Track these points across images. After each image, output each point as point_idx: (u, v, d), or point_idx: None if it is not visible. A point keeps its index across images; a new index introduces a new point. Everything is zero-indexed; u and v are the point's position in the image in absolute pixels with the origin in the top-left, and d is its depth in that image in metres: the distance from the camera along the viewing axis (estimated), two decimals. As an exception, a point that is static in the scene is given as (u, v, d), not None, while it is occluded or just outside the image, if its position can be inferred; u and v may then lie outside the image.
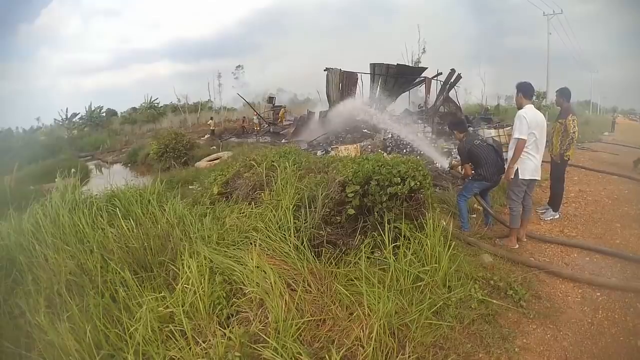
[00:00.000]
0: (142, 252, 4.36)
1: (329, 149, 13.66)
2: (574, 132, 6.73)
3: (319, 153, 12.98)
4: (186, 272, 3.75)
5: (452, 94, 20.04)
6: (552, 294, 4.53)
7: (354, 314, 3.57)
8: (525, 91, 5.61)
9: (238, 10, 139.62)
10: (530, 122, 5.34)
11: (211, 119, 32.72)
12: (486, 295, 4.23)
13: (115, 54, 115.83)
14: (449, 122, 6.75)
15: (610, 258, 5.41)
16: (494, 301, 4.17)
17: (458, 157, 7.69)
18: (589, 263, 5.34)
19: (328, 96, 19.35)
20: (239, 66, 60.82)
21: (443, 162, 9.59)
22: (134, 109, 52.06)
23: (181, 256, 4.04)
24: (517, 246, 5.69)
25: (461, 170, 6.68)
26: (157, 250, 4.40)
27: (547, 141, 6.62)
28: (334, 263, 4.31)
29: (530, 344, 3.71)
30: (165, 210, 5.18)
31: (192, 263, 3.79)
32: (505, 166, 5.77)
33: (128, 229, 4.62)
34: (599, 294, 4.54)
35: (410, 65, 24.43)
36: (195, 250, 4.15)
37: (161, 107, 50.10)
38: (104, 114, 48.12)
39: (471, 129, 6.00)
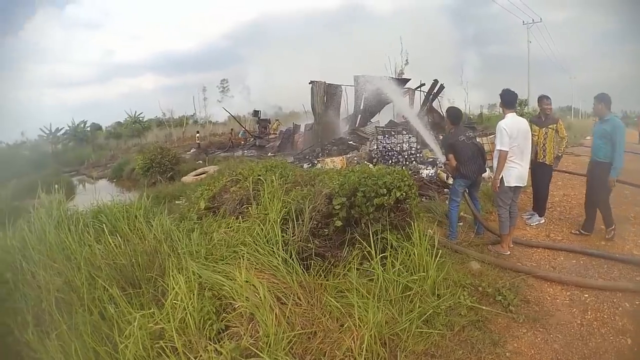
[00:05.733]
0: (130, 268, 4.33)
1: (315, 162, 13.68)
2: (565, 136, 6.95)
3: (305, 166, 13.00)
4: (175, 288, 3.71)
5: (435, 104, 20.22)
6: (541, 298, 4.60)
7: (345, 326, 3.59)
8: (506, 100, 5.74)
9: (222, 23, 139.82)
10: (511, 131, 5.43)
11: (197, 132, 32.64)
12: (475, 301, 4.28)
13: (98, 68, 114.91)
14: (447, 109, 6.80)
15: (597, 259, 5.51)
16: (484, 307, 4.22)
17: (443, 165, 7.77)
18: (575, 265, 5.42)
19: (313, 109, 19.39)
20: (223, 80, 61.03)
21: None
22: (118, 123, 51.70)
23: (170, 272, 4.00)
24: (509, 252, 5.76)
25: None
26: (145, 267, 4.38)
27: (538, 148, 6.74)
28: (323, 275, 4.30)
29: (521, 348, 3.76)
30: (152, 225, 5.14)
31: (181, 279, 3.75)
32: (486, 167, 5.88)
33: (115, 245, 4.58)
34: (586, 295, 4.62)
35: (394, 76, 24.53)
36: (184, 265, 4.11)
37: (146, 121, 49.81)
38: (88, 129, 47.67)
39: (470, 133, 5.98)
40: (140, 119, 49.79)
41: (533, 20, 39.56)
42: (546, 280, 4.97)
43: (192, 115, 51.55)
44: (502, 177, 5.59)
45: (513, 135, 5.44)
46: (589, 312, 4.29)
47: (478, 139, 7.17)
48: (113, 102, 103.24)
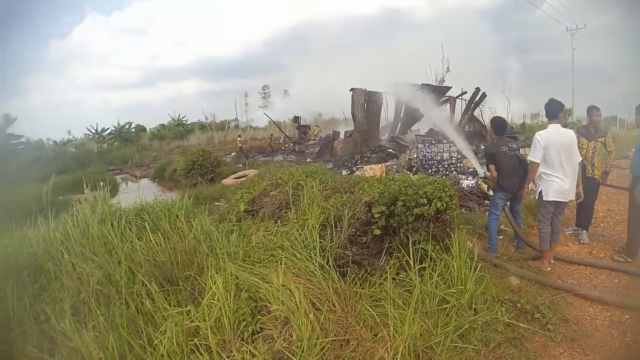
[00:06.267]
0: (169, 266, 4.41)
1: (354, 169, 13.67)
2: (613, 150, 6.78)
3: (343, 172, 13.01)
4: (212, 288, 3.79)
5: (477, 112, 19.94)
6: (580, 317, 4.47)
7: (379, 335, 3.56)
8: (548, 111, 5.59)
9: (262, 30, 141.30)
10: (546, 143, 5.32)
11: (239, 136, 33.13)
12: (513, 318, 4.19)
13: (142, 72, 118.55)
14: (492, 119, 6.72)
15: None
16: (521, 324, 4.14)
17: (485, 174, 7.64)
18: (617, 285, 5.26)
19: (353, 116, 19.38)
20: (265, 86, 61.84)
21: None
22: (162, 125, 52.87)
23: (207, 271, 4.08)
24: (549, 268, 5.62)
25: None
26: (184, 265, 4.45)
27: (587, 162, 6.53)
28: (358, 283, 4.29)
29: (557, 369, 3.64)
30: (192, 225, 5.24)
31: (218, 279, 3.83)
32: None
33: (156, 242, 4.67)
34: (627, 316, 4.47)
35: (435, 84, 24.33)
36: (222, 266, 4.18)
37: (189, 124, 50.79)
38: (133, 130, 48.94)
39: (514, 145, 5.85)
40: (184, 122, 50.81)
41: (577, 26, 38.59)
42: (586, 299, 4.83)
43: (233, 120, 52.39)
44: (540, 190, 5.47)
45: (549, 147, 5.31)
46: (629, 335, 4.13)
47: (521, 150, 7.01)
48: (157, 105, 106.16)
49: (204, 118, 48.41)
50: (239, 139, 31.59)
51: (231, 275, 3.99)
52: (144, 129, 53.46)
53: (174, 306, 3.78)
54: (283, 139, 30.69)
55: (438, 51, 31.55)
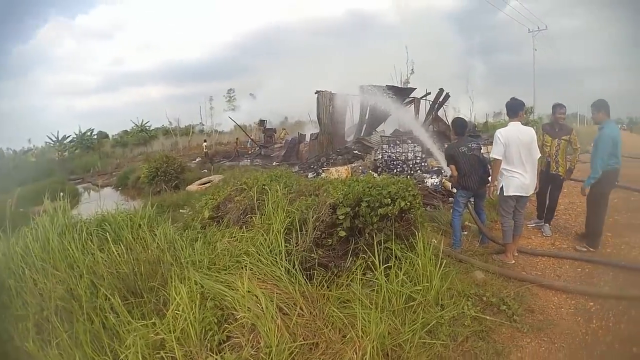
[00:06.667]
0: (132, 277, 4.33)
1: (320, 171, 13.69)
2: (578, 147, 6.92)
3: (310, 175, 13.04)
4: (176, 298, 3.72)
5: (441, 113, 20.28)
6: (545, 307, 4.57)
7: (347, 337, 3.56)
8: (509, 109, 5.70)
9: (229, 33, 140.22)
10: (507, 141, 5.44)
11: (205, 141, 32.78)
12: (479, 311, 4.26)
13: (107, 76, 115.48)
14: (453, 120, 6.82)
15: (602, 267, 5.50)
16: (487, 317, 4.20)
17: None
18: (581, 274, 5.40)
19: (319, 118, 19.47)
20: (230, 89, 61.40)
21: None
22: (125, 131, 51.95)
23: (172, 282, 4.00)
24: (513, 261, 5.74)
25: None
26: (148, 276, 4.37)
27: (551, 159, 6.72)
28: (326, 286, 4.30)
29: (525, 358, 3.74)
30: (155, 234, 5.15)
31: (183, 288, 3.75)
32: (489, 178, 5.90)
33: (118, 254, 4.60)
34: (592, 303, 4.59)
35: (399, 86, 24.66)
36: (186, 275, 4.10)
37: (152, 130, 50.03)
38: (95, 137, 47.95)
39: (473, 145, 5.93)
40: (147, 127, 50.02)
41: (538, 27, 39.72)
42: (551, 289, 4.94)
43: (198, 125, 51.85)
44: (502, 186, 5.59)
45: (509, 144, 5.43)
46: (594, 321, 4.24)
47: (483, 148, 7.12)
48: (121, 111, 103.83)
49: (168, 123, 47.85)
50: (204, 144, 31.26)
51: (196, 284, 3.91)
52: (107, 136, 52.47)
53: (139, 319, 3.70)
54: (249, 142, 30.53)
55: (404, 53, 32.08)
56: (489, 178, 5.95)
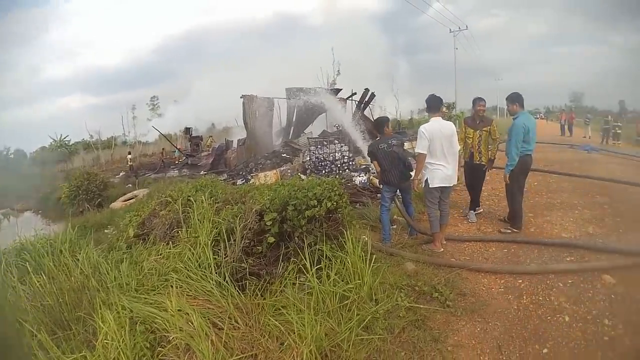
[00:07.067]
0: (58, 308, 4.12)
1: (249, 177, 13.54)
2: (498, 138, 7.23)
3: (239, 182, 12.84)
4: (103, 327, 3.52)
5: (367, 112, 20.63)
6: (476, 289, 4.75)
7: (285, 344, 3.53)
8: (429, 106, 5.92)
9: (152, 37, 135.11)
10: (431, 135, 5.63)
11: (129, 153, 31.49)
12: (413, 301, 4.36)
13: (23, 87, 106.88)
14: (375, 119, 6.99)
15: (527, 246, 5.84)
16: (421, 306, 4.31)
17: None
18: (507, 254, 5.69)
19: (245, 123, 19.18)
20: (153, 97, 59.41)
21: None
22: (43, 148, 48.91)
23: (99, 309, 3.80)
24: (442, 249, 5.93)
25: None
26: (73, 305, 4.17)
27: (474, 150, 7.03)
28: (259, 294, 4.25)
29: (462, 341, 3.85)
30: (78, 260, 4.91)
31: (109, 315, 3.56)
32: (411, 173, 6.10)
33: (40, 284, 4.36)
34: (520, 281, 4.83)
35: (326, 87, 24.85)
36: (113, 300, 3.92)
37: (72, 144, 47.43)
38: (12, 156, 45.00)
39: (393, 141, 6.09)
40: (66, 142, 47.30)
41: (459, 28, 41.35)
42: (480, 272, 5.15)
43: (121, 136, 49.83)
44: (427, 178, 5.78)
45: (433, 139, 5.62)
46: (524, 297, 4.48)
47: (407, 144, 7.32)
48: (38, 124, 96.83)
49: (88, 136, 45.41)
50: (128, 156, 29.95)
51: (124, 309, 3.75)
52: (24, 154, 49.28)
53: (69, 354, 3.49)
54: (177, 152, 29.67)
55: (329, 55, 32.38)
56: (411, 173, 6.12)
